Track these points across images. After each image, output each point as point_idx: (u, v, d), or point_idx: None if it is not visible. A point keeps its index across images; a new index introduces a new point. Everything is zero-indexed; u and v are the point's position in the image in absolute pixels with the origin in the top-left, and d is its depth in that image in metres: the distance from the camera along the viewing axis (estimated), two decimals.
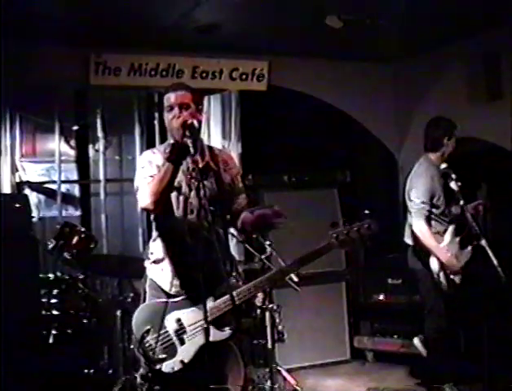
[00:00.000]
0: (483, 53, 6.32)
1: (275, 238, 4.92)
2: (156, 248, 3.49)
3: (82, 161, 6.74)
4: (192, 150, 3.11)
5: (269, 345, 4.80)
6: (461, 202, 4.70)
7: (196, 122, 3.18)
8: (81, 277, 5.31)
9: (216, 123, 6.96)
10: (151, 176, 3.30)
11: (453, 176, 4.71)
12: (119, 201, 6.79)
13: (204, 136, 6.66)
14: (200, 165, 3.30)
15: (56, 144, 6.49)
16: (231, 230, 3.75)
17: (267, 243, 4.60)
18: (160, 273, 3.48)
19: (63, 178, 6.55)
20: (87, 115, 6.65)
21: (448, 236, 5.05)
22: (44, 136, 6.52)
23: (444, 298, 5.00)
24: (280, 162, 6.90)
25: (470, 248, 5.02)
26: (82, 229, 5.17)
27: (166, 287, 3.47)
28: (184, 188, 3.36)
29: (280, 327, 4.83)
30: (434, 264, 4.98)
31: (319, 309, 6.50)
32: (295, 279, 4.22)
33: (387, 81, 7.48)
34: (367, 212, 3.31)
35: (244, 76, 6.78)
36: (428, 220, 4.97)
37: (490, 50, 6.25)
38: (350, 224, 3.32)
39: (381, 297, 6.46)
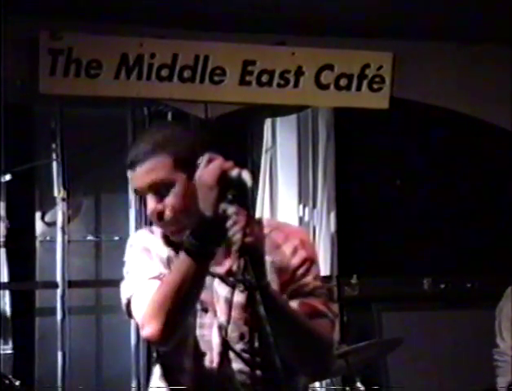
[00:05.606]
0: None
1: None
2: None
3: (18, 245, 5.00)
4: (236, 231, 1.91)
5: None
6: None
7: (245, 174, 1.95)
8: None
9: (287, 173, 5.12)
10: (154, 277, 2.22)
11: None
12: (93, 325, 4.98)
13: (263, 199, 4.97)
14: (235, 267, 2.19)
15: None
16: None
17: None
18: None
19: None
20: (31, 153, 5.02)
21: None
22: None
23: None
24: (412, 252, 5.18)
25: None
26: (17, 382, 4.07)
27: None
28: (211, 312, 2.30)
29: None
30: None
31: None
32: None
33: None
34: None
35: (343, 82, 5.08)
36: None
37: None
38: None
39: None
